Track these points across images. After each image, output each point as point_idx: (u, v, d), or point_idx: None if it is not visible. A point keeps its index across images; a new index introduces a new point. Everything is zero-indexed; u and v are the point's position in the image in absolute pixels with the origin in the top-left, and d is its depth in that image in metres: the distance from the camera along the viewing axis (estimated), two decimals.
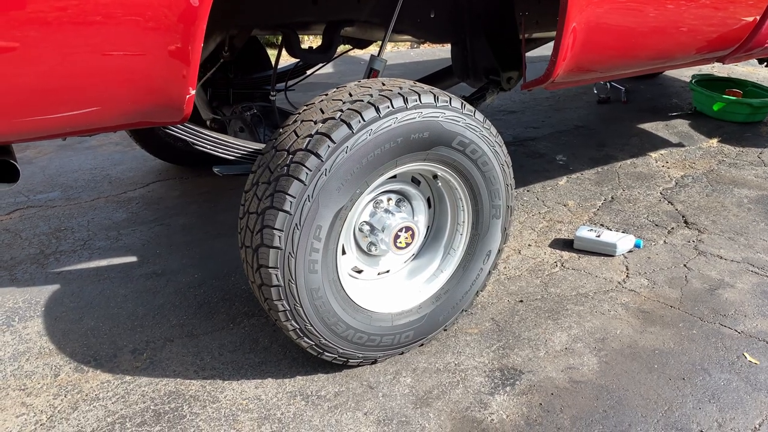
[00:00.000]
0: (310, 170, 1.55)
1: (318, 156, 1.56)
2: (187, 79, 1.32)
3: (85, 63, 1.16)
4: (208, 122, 2.68)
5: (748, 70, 5.42)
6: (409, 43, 6.36)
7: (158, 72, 1.27)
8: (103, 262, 2.50)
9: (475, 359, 1.97)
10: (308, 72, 2.90)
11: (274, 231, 1.56)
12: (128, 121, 1.38)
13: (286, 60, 2.95)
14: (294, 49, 2.19)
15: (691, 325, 2.14)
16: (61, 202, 3.00)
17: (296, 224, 1.57)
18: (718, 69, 5.25)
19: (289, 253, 1.58)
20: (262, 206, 1.60)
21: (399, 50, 6.61)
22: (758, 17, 2.55)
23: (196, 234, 2.73)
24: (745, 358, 1.98)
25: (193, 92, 1.35)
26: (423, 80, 2.89)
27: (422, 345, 2.01)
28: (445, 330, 2.06)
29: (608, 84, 4.75)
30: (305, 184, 1.55)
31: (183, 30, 1.24)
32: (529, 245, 2.66)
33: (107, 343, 2.04)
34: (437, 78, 2.88)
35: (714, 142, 3.87)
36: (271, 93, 2.43)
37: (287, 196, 1.55)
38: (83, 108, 1.18)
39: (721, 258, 2.56)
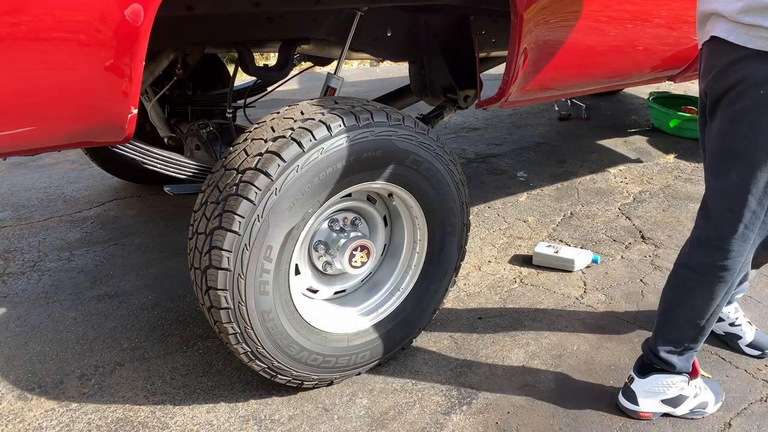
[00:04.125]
0: (260, 189, 1.53)
1: (268, 175, 1.53)
2: (129, 97, 1.28)
3: (15, 81, 1.13)
4: (165, 140, 2.64)
5: None
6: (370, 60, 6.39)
7: (97, 91, 1.24)
8: (54, 284, 2.43)
9: (432, 378, 1.96)
10: (268, 89, 2.88)
11: (223, 252, 1.53)
12: (68, 140, 1.34)
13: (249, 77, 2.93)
14: (249, 67, 2.17)
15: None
16: (11, 222, 2.91)
17: (245, 245, 1.54)
18: (674, 87, 5.39)
19: (239, 274, 1.55)
20: (210, 227, 1.56)
21: (365, 67, 6.64)
22: None
23: (152, 254, 2.67)
24: None
25: (135, 111, 1.32)
26: (382, 99, 2.90)
27: (379, 365, 1.99)
28: (403, 349, 2.04)
29: (569, 101, 4.83)
30: (254, 204, 1.53)
31: (123, 48, 1.21)
32: (489, 261, 2.67)
33: (54, 368, 1.97)
34: (396, 96, 2.89)
35: (671, 158, 3.96)
36: (228, 110, 2.41)
37: (236, 216, 1.52)
38: (16, 128, 1.14)
39: None
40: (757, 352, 2.06)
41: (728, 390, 1.92)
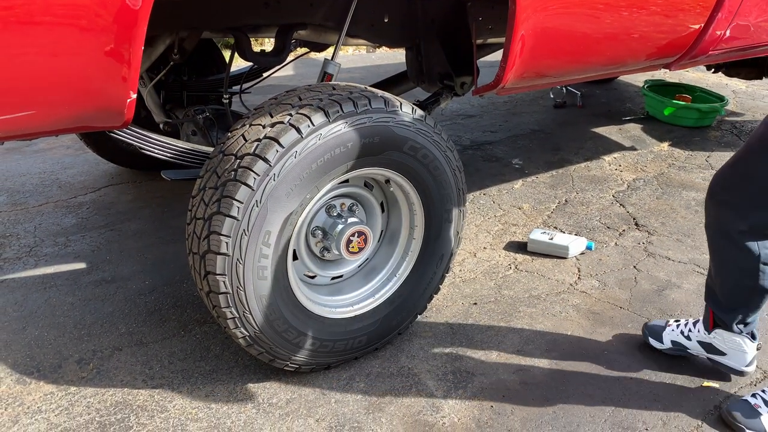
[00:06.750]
0: (258, 175, 1.54)
1: (266, 160, 1.54)
2: (128, 82, 1.29)
3: (16, 64, 1.13)
4: (161, 125, 2.63)
5: (698, 75, 5.59)
6: (365, 47, 6.36)
7: (97, 75, 1.24)
8: (50, 269, 2.43)
9: (428, 362, 1.98)
10: (265, 75, 2.87)
11: (221, 237, 1.54)
12: (67, 125, 1.34)
13: (244, 62, 2.92)
14: (245, 53, 2.17)
15: (639, 325, 2.19)
16: (6, 208, 2.90)
17: (244, 230, 1.55)
18: (669, 75, 5.40)
19: (237, 259, 1.56)
20: (209, 212, 1.57)
21: (360, 53, 6.60)
22: (702, 25, 2.63)
23: (149, 239, 2.68)
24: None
25: (134, 96, 1.32)
26: (378, 85, 2.89)
27: (377, 349, 2.01)
28: (400, 334, 2.06)
29: (564, 88, 4.84)
30: (253, 189, 1.53)
31: (122, 32, 1.21)
32: (484, 248, 2.69)
33: (52, 353, 1.98)
34: (393, 82, 2.89)
35: (665, 145, 3.98)
36: (224, 96, 2.40)
37: (234, 201, 1.53)
38: (17, 112, 1.14)
39: (668, 259, 2.63)
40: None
41: (721, 375, 1.96)
